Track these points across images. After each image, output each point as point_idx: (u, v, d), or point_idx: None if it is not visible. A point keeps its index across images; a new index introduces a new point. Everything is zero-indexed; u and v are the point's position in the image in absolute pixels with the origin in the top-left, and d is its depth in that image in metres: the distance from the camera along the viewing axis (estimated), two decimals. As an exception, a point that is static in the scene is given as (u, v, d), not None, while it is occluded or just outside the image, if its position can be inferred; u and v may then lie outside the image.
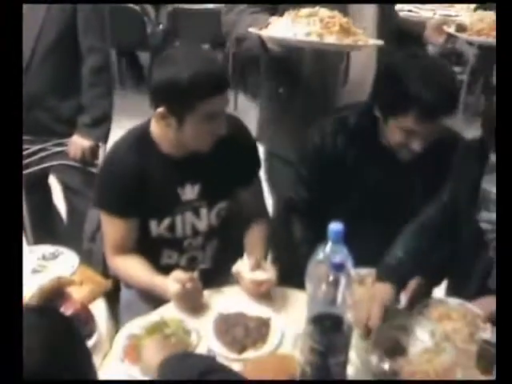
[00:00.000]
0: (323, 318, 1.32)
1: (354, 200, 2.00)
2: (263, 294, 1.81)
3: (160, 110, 1.75)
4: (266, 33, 1.92)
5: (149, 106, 1.82)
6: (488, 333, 1.67)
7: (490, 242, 1.79)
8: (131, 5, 5.50)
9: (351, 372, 1.51)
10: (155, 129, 1.86)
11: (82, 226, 2.16)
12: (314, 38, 1.83)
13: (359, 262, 1.44)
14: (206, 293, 1.84)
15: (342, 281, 1.29)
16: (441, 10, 5.13)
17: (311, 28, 1.83)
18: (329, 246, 1.32)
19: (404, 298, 1.81)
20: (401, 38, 2.31)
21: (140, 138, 1.89)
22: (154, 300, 1.87)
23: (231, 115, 1.99)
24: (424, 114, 1.74)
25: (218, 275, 1.98)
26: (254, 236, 2.02)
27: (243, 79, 5.94)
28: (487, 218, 1.76)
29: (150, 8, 5.61)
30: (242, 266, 1.82)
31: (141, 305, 1.98)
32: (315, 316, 1.33)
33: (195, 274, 1.78)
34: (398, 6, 4.45)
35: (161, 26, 5.75)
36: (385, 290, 1.71)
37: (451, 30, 2.34)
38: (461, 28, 2.38)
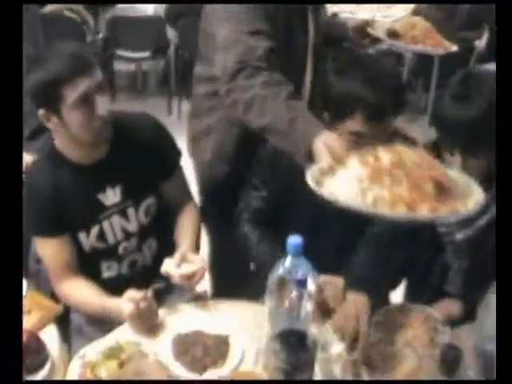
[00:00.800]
0: (287, 334, 1.29)
1: (310, 209, 1.97)
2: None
3: (40, 112, 1.74)
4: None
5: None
6: (447, 336, 1.67)
7: (446, 245, 1.80)
8: (69, 13, 5.38)
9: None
10: (57, 141, 1.86)
11: (27, 248, 2.07)
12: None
13: (320, 271, 1.42)
14: (161, 312, 1.79)
15: (305, 296, 1.26)
16: (380, 12, 5.21)
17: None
18: (289, 261, 1.29)
19: None
20: (325, 40, 2.27)
21: (49, 155, 1.90)
22: (102, 323, 1.83)
23: (142, 113, 2.03)
24: (371, 114, 1.70)
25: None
26: (182, 226, 2.01)
27: (187, 86, 5.89)
28: (444, 221, 1.77)
29: (88, 16, 5.50)
30: (169, 265, 1.79)
31: (90, 328, 1.92)
32: (279, 333, 1.30)
33: (149, 293, 1.72)
34: (338, 8, 4.50)
35: (100, 35, 5.63)
36: (362, 301, 1.68)
37: (379, 33, 2.26)
38: (392, 33, 2.29)
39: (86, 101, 1.72)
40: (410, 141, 1.81)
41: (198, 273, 1.78)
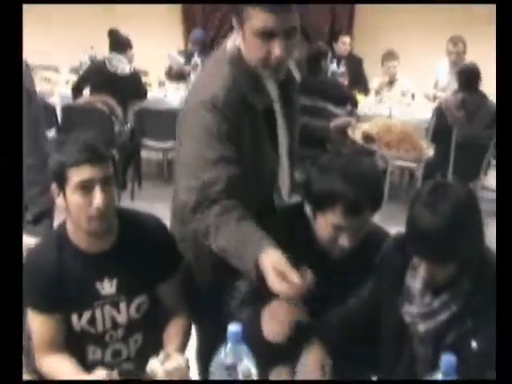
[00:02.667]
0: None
1: None
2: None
3: (53, 185, 1.89)
4: None
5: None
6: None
7: (413, 335, 1.83)
8: (100, 105, 5.69)
9: None
10: (68, 226, 1.96)
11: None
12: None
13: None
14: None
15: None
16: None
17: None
18: (228, 347, 1.38)
19: None
20: (306, 142, 2.29)
21: (58, 236, 1.99)
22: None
23: (149, 214, 2.12)
24: (350, 208, 1.80)
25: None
26: (172, 330, 2.05)
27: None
28: (410, 311, 1.80)
29: (117, 107, 5.80)
30: (154, 364, 1.83)
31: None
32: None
33: (115, 373, 1.81)
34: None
35: (128, 125, 5.93)
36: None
37: (356, 136, 2.26)
38: (366, 137, 2.27)
39: (87, 188, 1.82)
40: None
41: (178, 370, 1.82)
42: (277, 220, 2.06)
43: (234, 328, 1.37)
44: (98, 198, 1.83)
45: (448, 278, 1.69)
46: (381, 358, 1.95)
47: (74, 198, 1.84)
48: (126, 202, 5.93)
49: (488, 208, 6.00)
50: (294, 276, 1.62)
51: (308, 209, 1.94)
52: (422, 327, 1.78)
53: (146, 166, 6.79)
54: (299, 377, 1.85)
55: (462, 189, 1.69)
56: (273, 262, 1.65)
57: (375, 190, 1.88)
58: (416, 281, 1.79)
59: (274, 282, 1.62)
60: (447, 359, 1.30)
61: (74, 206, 1.85)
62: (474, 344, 1.65)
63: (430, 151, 2.34)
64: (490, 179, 6.23)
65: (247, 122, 1.95)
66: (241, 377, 1.37)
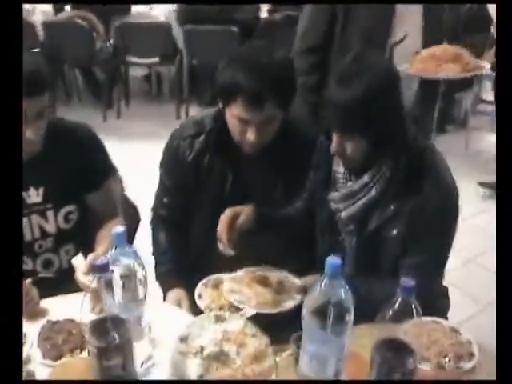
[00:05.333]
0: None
1: (216, 203, 1.98)
2: None
3: None
4: None
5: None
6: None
7: (338, 223, 1.85)
8: (80, 21, 5.54)
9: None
10: None
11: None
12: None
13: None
14: (49, 300, 1.82)
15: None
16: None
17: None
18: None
19: None
20: None
21: None
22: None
23: (82, 123, 2.03)
24: (250, 100, 1.77)
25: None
26: (103, 232, 1.99)
27: (197, 90, 5.97)
28: (334, 196, 1.83)
29: (99, 24, 5.64)
30: (79, 263, 1.80)
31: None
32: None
33: (28, 281, 1.76)
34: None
35: (110, 41, 5.77)
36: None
37: None
38: None
39: (29, 119, 1.73)
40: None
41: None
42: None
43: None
44: (36, 131, 1.78)
45: (362, 157, 1.68)
46: (317, 253, 1.96)
47: (25, 125, 1.73)
48: (112, 121, 5.86)
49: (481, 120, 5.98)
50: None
51: (220, 103, 1.92)
52: (344, 213, 1.80)
53: (135, 84, 6.67)
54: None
55: (383, 64, 1.68)
56: None
57: (278, 82, 1.79)
58: (340, 166, 1.81)
59: None
60: (331, 261, 1.21)
61: (25, 131, 1.75)
62: (394, 232, 1.70)
63: None
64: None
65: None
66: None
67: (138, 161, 4.31)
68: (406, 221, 1.68)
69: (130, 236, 1.60)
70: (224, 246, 1.85)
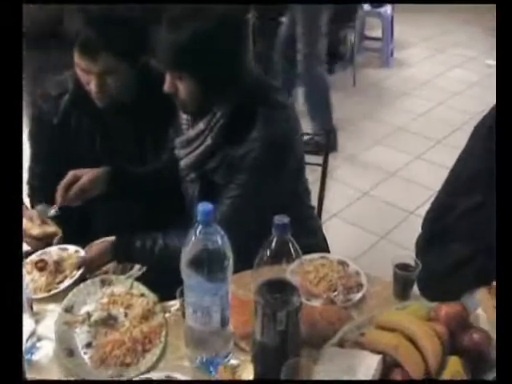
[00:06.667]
0: None
1: (88, 166, 1.89)
2: None
3: None
4: None
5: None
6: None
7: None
8: None
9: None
10: None
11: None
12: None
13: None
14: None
15: None
16: None
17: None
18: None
19: None
20: None
21: None
22: None
23: None
24: (82, 48, 1.74)
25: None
26: None
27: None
28: (177, 143, 1.80)
29: None
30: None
31: None
32: None
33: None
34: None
35: None
36: None
37: None
38: None
39: None
40: None
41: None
42: None
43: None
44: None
45: (194, 100, 1.66)
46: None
47: None
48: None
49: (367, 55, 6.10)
50: None
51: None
52: (183, 162, 1.79)
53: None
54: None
55: (216, 9, 1.62)
56: None
57: (112, 33, 1.74)
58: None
59: None
60: (202, 207, 1.17)
61: None
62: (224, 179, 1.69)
63: None
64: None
65: None
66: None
67: None
68: (230, 167, 1.68)
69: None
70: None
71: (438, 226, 1.70)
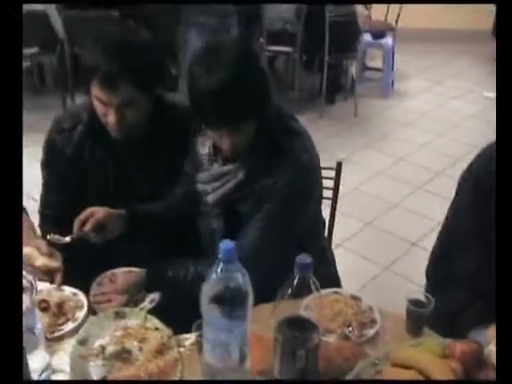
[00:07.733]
0: None
1: (102, 198, 1.91)
2: None
3: None
4: None
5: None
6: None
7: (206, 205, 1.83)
8: None
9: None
10: None
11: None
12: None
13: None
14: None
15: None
16: None
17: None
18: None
19: None
20: None
21: None
22: None
23: None
24: (104, 80, 1.72)
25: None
26: None
27: (80, 81, 5.73)
28: (203, 178, 1.80)
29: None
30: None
31: None
32: None
33: None
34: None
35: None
36: None
37: None
38: None
39: None
40: None
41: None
42: None
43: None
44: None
45: (240, 148, 1.66)
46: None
47: None
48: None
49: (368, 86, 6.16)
50: None
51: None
52: (211, 197, 1.78)
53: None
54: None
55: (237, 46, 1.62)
56: None
57: (133, 64, 1.73)
58: (204, 148, 1.80)
59: None
60: (224, 245, 1.17)
61: None
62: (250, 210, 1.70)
63: None
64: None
65: None
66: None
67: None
68: (259, 198, 1.68)
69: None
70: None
71: (437, 273, 1.79)
